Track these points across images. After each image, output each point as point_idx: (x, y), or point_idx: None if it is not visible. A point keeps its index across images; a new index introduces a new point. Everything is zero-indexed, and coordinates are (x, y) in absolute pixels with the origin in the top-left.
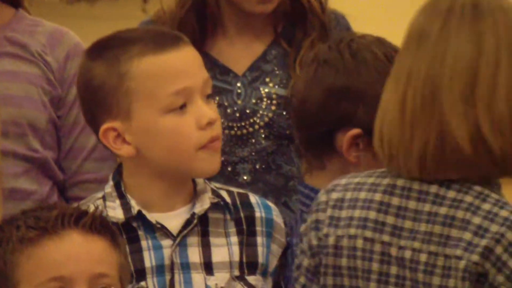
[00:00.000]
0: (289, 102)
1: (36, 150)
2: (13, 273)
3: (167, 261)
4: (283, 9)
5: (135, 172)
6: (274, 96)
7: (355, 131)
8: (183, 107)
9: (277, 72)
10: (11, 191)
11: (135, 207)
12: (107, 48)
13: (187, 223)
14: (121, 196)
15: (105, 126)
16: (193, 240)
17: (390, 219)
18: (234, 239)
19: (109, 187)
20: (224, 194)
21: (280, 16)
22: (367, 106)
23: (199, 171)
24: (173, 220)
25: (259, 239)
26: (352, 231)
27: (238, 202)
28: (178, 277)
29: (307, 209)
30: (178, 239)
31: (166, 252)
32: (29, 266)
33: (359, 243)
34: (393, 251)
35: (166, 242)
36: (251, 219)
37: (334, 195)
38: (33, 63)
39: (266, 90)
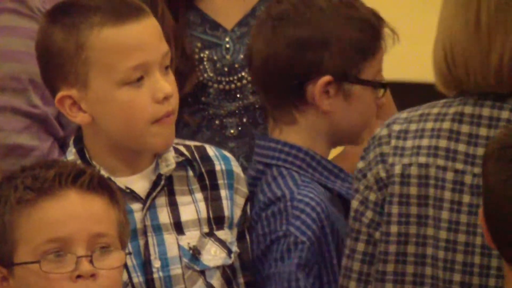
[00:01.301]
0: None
1: (36, 106)
2: (12, 234)
3: (139, 225)
4: None
5: (94, 139)
6: None
7: (326, 78)
8: (140, 79)
9: None
10: (12, 147)
11: (104, 173)
12: (67, 14)
13: (155, 184)
14: (87, 163)
15: (61, 93)
16: (161, 201)
17: (461, 147)
18: (199, 195)
19: (71, 154)
20: (183, 149)
21: None
22: (331, 52)
23: (152, 146)
24: (139, 182)
25: (223, 192)
26: (423, 159)
27: (197, 157)
28: (152, 240)
29: (271, 161)
30: (148, 202)
31: (137, 216)
32: (27, 227)
33: (432, 171)
34: (467, 179)
35: (135, 206)
36: (212, 173)
37: (396, 127)
38: (33, 19)
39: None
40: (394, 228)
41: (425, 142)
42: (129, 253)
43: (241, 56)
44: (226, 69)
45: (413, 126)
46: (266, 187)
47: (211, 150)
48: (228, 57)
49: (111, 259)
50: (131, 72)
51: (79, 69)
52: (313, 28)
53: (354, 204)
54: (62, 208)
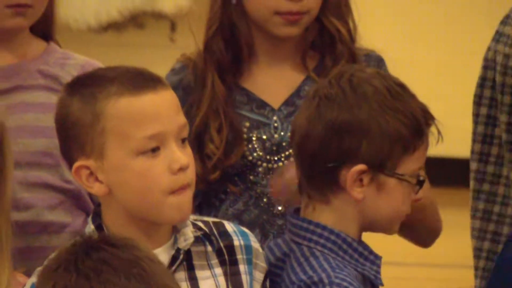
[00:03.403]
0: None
1: (69, 181)
2: None
3: None
4: (312, 37)
5: (111, 212)
6: None
7: (360, 167)
8: (155, 150)
9: None
10: (45, 224)
11: None
12: (85, 85)
13: (174, 259)
14: None
15: (78, 163)
16: (181, 276)
17: None
18: (218, 270)
19: (90, 231)
20: (201, 225)
21: (309, 45)
22: (370, 140)
23: (168, 217)
24: (158, 257)
25: (242, 267)
26: None
27: (215, 232)
28: None
29: (303, 241)
30: None
31: None
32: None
33: None
34: None
35: None
36: (231, 248)
37: None
38: None
39: None
40: None
41: None
42: None
43: (288, 134)
44: (274, 148)
45: None
46: (298, 266)
47: (229, 226)
48: (276, 136)
49: None
50: (146, 141)
51: (96, 139)
52: (355, 114)
53: None
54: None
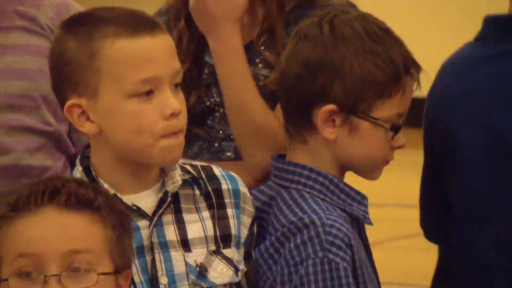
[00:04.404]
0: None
1: (50, 124)
2: None
3: (146, 242)
4: None
5: (100, 153)
6: (261, 77)
7: (330, 106)
8: (150, 93)
9: (266, 53)
10: (26, 168)
11: (110, 191)
12: (82, 24)
13: (161, 202)
14: (93, 181)
15: (70, 101)
16: (168, 218)
17: None
18: (206, 213)
19: (78, 172)
20: (189, 168)
21: None
22: (342, 81)
23: (159, 159)
24: (146, 199)
25: (229, 211)
26: None
27: (204, 176)
28: (159, 257)
29: (291, 184)
30: (154, 219)
31: (144, 233)
32: (5, 243)
33: None
34: None
35: (142, 223)
36: (219, 192)
37: None
38: (43, 36)
39: (255, 71)
40: None
41: None
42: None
43: None
44: None
45: None
46: (287, 208)
47: (217, 170)
48: None
49: (83, 280)
50: (141, 84)
51: (90, 78)
52: (329, 54)
53: None
54: (35, 225)
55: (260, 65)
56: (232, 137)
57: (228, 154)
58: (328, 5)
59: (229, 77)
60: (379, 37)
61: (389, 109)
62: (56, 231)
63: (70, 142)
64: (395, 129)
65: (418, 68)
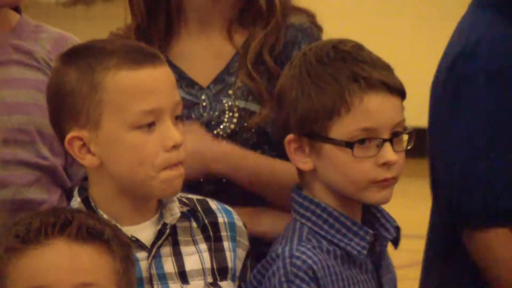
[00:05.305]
0: None
1: (45, 158)
2: (2, 282)
3: (145, 274)
4: (240, 5)
5: (100, 185)
6: (235, 109)
7: (289, 136)
8: (151, 125)
9: (239, 84)
10: (23, 202)
11: (110, 221)
12: (82, 56)
13: (160, 233)
14: (93, 212)
15: (71, 134)
16: (166, 250)
17: None
18: (203, 246)
19: (76, 203)
20: (186, 201)
21: (236, 15)
22: (294, 110)
23: (159, 192)
24: (144, 231)
25: (226, 244)
26: None
27: (200, 209)
28: None
29: (295, 215)
30: (153, 251)
31: (143, 265)
32: (14, 275)
33: None
34: None
35: (141, 255)
36: (215, 225)
37: None
38: (39, 70)
39: (230, 103)
40: None
41: None
42: None
43: (216, 113)
44: (203, 126)
45: None
46: (278, 238)
47: (213, 203)
48: (205, 114)
49: None
50: (143, 116)
51: (92, 110)
52: (281, 85)
53: None
54: (45, 257)
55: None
56: None
57: (207, 187)
58: (289, 26)
59: (248, 175)
60: (329, 57)
61: (346, 126)
62: (66, 263)
63: (66, 176)
64: (349, 145)
65: (369, 81)
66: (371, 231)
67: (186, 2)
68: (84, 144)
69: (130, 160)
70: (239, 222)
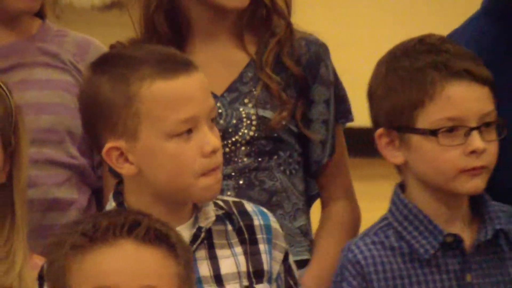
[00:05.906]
0: None
1: (75, 157)
2: (65, 278)
3: None
4: (248, 12)
5: (137, 191)
6: (253, 117)
7: (379, 130)
8: (189, 132)
9: (254, 92)
10: (53, 201)
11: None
12: (114, 65)
13: (195, 237)
14: None
15: (109, 145)
16: (201, 254)
17: None
18: (238, 249)
19: (111, 208)
20: (221, 204)
21: (245, 21)
22: (379, 105)
23: (198, 197)
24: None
25: (262, 247)
26: None
27: (235, 211)
28: None
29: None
30: None
31: None
32: (78, 273)
33: None
34: None
35: None
36: (251, 228)
37: None
38: (66, 71)
39: (246, 110)
40: None
41: None
42: None
43: (234, 121)
44: (220, 134)
45: None
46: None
47: (248, 206)
48: (222, 122)
49: None
50: (180, 124)
51: (129, 121)
52: (371, 83)
53: None
54: (113, 258)
55: (250, 105)
56: (231, 176)
57: (229, 193)
58: (300, 38)
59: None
60: (415, 51)
61: (430, 116)
62: (133, 265)
63: (95, 176)
64: (433, 132)
65: (451, 69)
66: (445, 232)
67: (193, 14)
68: (121, 154)
69: (169, 169)
70: (275, 224)
